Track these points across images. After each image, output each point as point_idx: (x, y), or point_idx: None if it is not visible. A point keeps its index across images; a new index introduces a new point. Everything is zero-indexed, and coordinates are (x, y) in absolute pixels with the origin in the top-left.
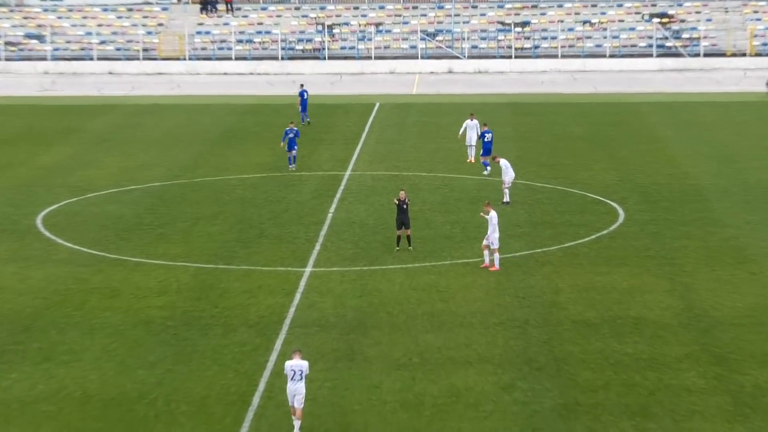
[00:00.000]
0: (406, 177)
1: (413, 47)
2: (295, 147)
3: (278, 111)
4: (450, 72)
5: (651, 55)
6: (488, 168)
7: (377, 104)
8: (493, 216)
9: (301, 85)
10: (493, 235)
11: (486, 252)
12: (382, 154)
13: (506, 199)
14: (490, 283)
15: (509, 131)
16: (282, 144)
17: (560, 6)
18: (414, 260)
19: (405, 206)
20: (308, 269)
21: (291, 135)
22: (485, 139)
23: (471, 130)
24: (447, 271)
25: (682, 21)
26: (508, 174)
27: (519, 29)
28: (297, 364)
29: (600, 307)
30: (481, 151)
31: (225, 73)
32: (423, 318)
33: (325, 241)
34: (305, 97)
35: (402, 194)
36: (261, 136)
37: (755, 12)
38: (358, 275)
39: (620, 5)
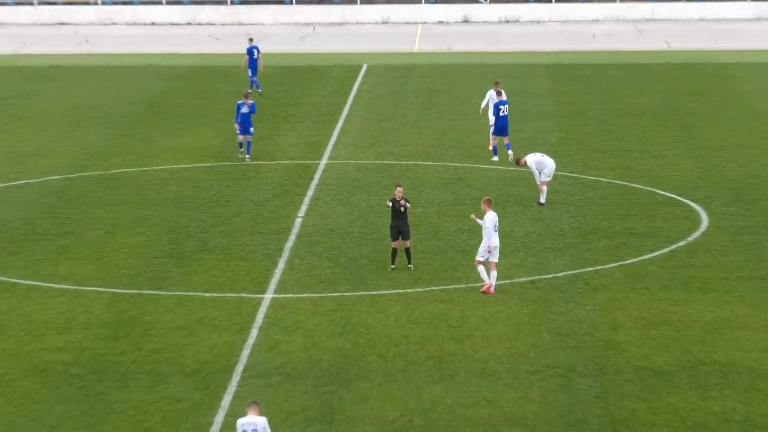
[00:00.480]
0: (404, 167)
1: None
2: (251, 128)
3: (227, 76)
4: (466, 22)
5: None
6: (501, 155)
7: (364, 66)
8: (488, 218)
9: (250, 40)
10: (484, 246)
11: (481, 269)
12: (372, 136)
13: (542, 199)
14: (522, 316)
15: (548, 104)
16: (235, 124)
17: None
18: (416, 283)
19: (403, 209)
20: (269, 296)
21: (245, 110)
22: (500, 113)
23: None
24: (461, 299)
25: None
26: (544, 171)
27: None
28: (251, 421)
29: (675, 348)
30: (492, 129)
31: (152, 23)
32: (428, 363)
33: (293, 257)
34: (255, 56)
35: (399, 192)
36: (202, 111)
37: None
38: (338, 304)
39: None
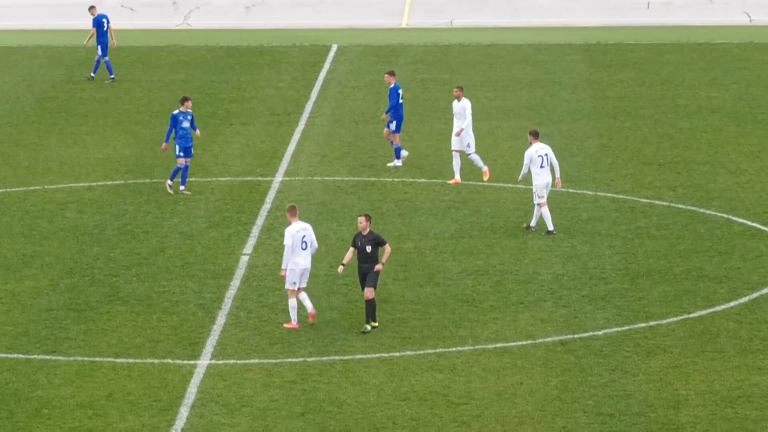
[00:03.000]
0: (389, 186)
1: None
2: (191, 148)
3: (145, 60)
4: None
5: None
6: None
7: (334, 47)
8: (288, 232)
9: (92, 8)
10: (288, 268)
11: (293, 301)
12: (344, 144)
13: (533, 222)
14: (549, 389)
15: (585, 99)
16: (164, 144)
17: None
18: (405, 345)
19: (368, 247)
20: (204, 362)
21: (185, 124)
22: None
23: None
24: (467, 366)
25: None
26: (542, 175)
27: None
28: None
29: None
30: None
31: None
32: None
33: (236, 309)
34: (105, 27)
35: (362, 222)
36: (111, 110)
37: None
38: (298, 374)
39: None
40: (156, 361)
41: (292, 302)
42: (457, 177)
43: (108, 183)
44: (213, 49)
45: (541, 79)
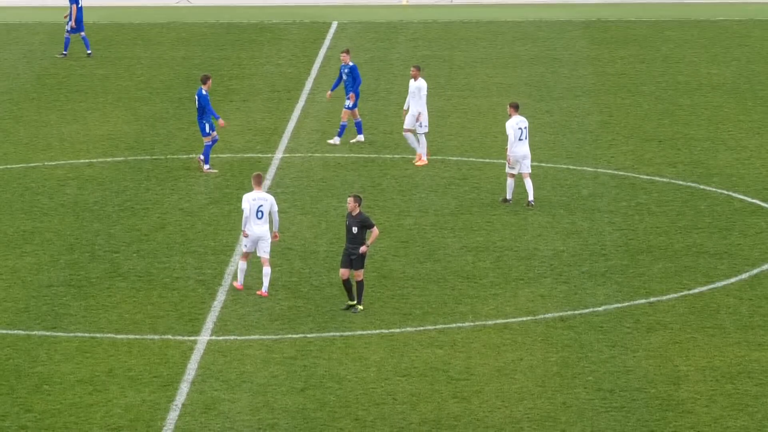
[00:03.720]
0: (389, 163)
1: None
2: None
3: (145, 37)
4: None
5: None
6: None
7: (334, 24)
8: (244, 198)
9: None
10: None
11: (242, 263)
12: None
13: (508, 195)
14: (549, 365)
15: (585, 76)
16: (221, 120)
17: None
18: (405, 320)
19: (354, 228)
20: (204, 338)
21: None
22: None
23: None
24: (467, 342)
25: None
26: (519, 146)
27: None
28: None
29: (756, 409)
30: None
31: None
32: (421, 430)
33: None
34: (80, 3)
35: (350, 204)
36: (112, 86)
37: None
38: (298, 350)
39: None
40: (156, 337)
41: (242, 264)
42: (424, 158)
43: (108, 159)
44: (213, 26)
45: (542, 55)
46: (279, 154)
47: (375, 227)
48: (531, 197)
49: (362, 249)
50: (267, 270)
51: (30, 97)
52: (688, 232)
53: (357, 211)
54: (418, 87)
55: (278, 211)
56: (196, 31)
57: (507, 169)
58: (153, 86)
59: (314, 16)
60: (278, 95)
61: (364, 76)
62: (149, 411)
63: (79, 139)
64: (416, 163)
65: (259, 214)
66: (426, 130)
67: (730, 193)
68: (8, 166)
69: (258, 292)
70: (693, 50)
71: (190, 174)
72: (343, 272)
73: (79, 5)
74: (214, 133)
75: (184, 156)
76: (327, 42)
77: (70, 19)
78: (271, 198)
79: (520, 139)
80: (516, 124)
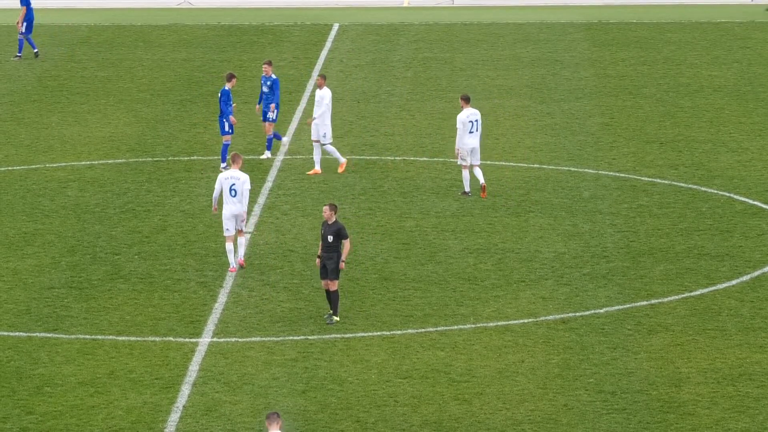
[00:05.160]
0: (390, 165)
1: None
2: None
3: (146, 39)
4: None
5: None
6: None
7: (335, 27)
8: (218, 178)
9: None
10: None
11: (228, 245)
12: (346, 122)
13: (466, 187)
14: (551, 367)
15: (586, 78)
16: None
17: None
18: (407, 323)
19: (329, 236)
20: (205, 340)
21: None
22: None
23: None
24: (468, 344)
25: None
26: (470, 139)
27: None
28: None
29: (758, 411)
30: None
31: None
32: None
33: (238, 288)
34: (31, 4)
35: (326, 211)
36: (113, 88)
37: None
38: (299, 351)
39: None
40: (158, 339)
41: (228, 246)
42: (317, 168)
43: (109, 161)
44: (214, 27)
45: (543, 57)
46: (280, 156)
47: (348, 239)
48: (482, 181)
49: (341, 266)
50: (242, 240)
51: (31, 99)
52: (690, 234)
53: (333, 219)
54: (322, 96)
55: (280, 212)
56: (198, 33)
57: (459, 162)
58: (154, 88)
59: (315, 18)
60: (280, 97)
61: (366, 77)
62: (150, 413)
63: (81, 141)
64: (339, 170)
65: (233, 192)
66: (330, 140)
67: (732, 195)
68: (10, 168)
69: (238, 261)
70: (694, 52)
71: (191, 176)
72: (325, 283)
73: (30, 6)
74: (229, 136)
75: (186, 158)
76: (328, 44)
77: (26, 21)
78: (244, 176)
79: (470, 132)
80: (467, 117)
